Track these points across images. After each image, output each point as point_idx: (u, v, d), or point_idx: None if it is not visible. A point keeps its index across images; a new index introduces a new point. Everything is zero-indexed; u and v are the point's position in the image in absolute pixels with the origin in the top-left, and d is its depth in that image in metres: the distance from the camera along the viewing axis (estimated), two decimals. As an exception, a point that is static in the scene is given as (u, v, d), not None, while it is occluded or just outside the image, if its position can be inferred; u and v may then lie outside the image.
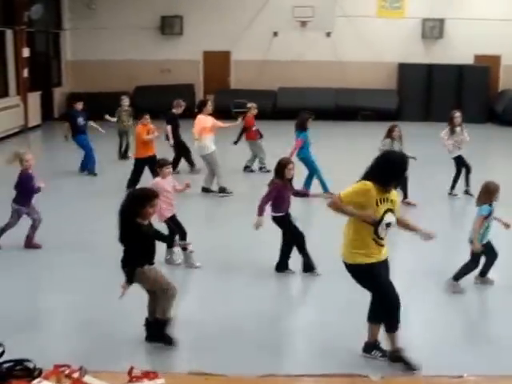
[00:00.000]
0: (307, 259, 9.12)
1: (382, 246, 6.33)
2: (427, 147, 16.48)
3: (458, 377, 4.44)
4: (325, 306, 8.09)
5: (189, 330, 7.25)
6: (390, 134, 12.87)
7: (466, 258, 8.66)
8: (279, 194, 8.99)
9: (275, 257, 9.25)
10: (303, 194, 10.07)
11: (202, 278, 9.20)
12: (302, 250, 9.12)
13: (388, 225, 6.29)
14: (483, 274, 8.84)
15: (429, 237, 6.58)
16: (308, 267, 9.11)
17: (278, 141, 15.51)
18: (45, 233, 10.23)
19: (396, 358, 6.48)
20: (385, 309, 6.47)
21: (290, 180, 9.12)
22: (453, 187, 13.72)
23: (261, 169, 15.78)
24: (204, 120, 13.63)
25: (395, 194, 6.45)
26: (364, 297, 6.64)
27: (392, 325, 6.46)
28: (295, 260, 9.19)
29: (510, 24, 25.15)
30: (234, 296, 8.52)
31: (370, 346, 6.67)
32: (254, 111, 15.99)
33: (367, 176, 6.27)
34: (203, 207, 13.30)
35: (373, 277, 6.35)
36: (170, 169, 9.51)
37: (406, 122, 23.55)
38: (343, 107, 24.78)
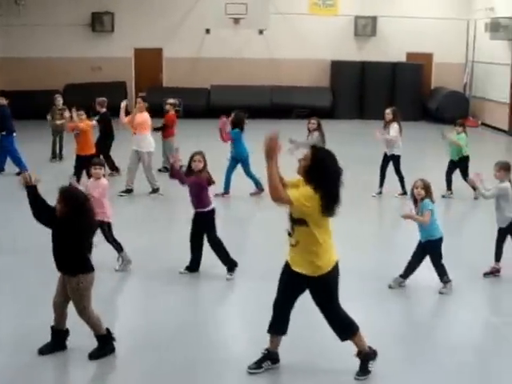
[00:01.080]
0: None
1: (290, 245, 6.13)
2: (361, 145, 16.47)
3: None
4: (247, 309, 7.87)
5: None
6: (307, 128, 12.96)
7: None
8: (187, 184, 8.80)
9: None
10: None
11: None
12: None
13: None
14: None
15: None
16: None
17: (212, 140, 15.17)
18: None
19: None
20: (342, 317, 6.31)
21: (198, 172, 8.69)
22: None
23: (160, 170, 15.02)
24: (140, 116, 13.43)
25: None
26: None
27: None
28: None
29: (441, 22, 25.50)
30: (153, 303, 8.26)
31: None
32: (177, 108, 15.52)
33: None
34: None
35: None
36: (98, 170, 9.04)
37: (340, 120, 23.74)
38: (278, 105, 24.64)
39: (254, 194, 13.41)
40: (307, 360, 6.67)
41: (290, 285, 6.18)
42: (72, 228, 6.25)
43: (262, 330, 6.38)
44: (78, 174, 13.06)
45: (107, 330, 6.67)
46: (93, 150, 13.50)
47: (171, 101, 15.49)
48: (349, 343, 6.33)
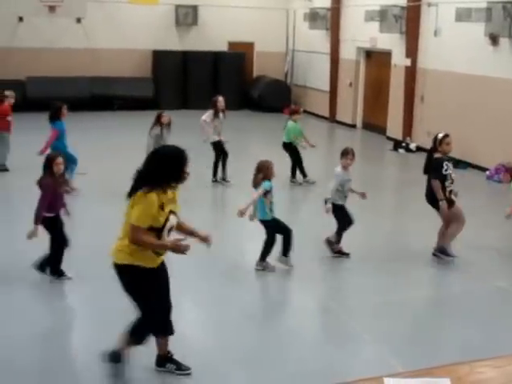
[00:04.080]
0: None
1: (160, 254, 5.75)
2: (186, 135, 16.18)
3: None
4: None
5: None
6: (158, 121, 12.66)
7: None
8: (53, 193, 8.14)
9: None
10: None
11: None
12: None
13: (170, 229, 5.70)
14: (284, 253, 8.96)
15: (207, 240, 6.04)
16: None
17: (30, 134, 14.30)
18: None
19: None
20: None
21: (61, 176, 8.36)
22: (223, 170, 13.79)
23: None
24: None
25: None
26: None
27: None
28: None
29: (262, 12, 25.81)
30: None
31: (163, 360, 6.21)
32: (12, 100, 14.55)
33: (143, 182, 5.51)
34: None
35: (139, 283, 5.71)
36: None
37: (163, 111, 23.33)
38: (98, 96, 23.81)
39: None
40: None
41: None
42: None
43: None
44: None
45: None
46: None
47: (7, 92, 14.64)
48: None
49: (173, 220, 5.67)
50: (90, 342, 6.75)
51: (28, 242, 8.00)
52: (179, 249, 5.49)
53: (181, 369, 6.16)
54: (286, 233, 8.87)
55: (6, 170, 14.04)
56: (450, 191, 9.33)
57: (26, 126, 16.82)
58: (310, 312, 8.02)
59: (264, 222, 8.83)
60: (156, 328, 5.96)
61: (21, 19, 23.18)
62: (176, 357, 6.19)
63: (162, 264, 5.86)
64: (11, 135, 14.36)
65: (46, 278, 8.35)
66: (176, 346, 6.21)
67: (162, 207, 5.49)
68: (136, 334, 5.85)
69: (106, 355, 5.91)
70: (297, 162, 13.98)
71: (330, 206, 9.23)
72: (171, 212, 5.63)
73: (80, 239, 9.05)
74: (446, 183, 9.26)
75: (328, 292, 8.61)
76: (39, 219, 7.93)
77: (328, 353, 6.80)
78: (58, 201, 8.27)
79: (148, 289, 5.73)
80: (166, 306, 5.92)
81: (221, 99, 13.69)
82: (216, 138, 13.62)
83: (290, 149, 13.95)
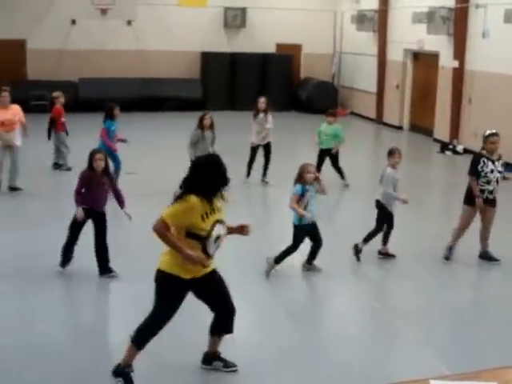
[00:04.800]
0: None
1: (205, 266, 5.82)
2: (233, 136, 16.42)
3: None
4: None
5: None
6: (200, 124, 12.54)
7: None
8: (87, 185, 8.44)
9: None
10: (118, 198, 8.85)
11: None
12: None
13: (218, 239, 5.76)
14: (309, 260, 8.98)
15: (245, 230, 6.07)
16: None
17: (82, 134, 14.67)
18: None
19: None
20: None
21: (105, 173, 8.50)
22: (264, 174, 13.87)
23: (60, 166, 14.73)
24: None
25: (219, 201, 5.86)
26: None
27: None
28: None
29: (310, 14, 25.89)
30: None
31: (210, 358, 6.36)
32: (62, 99, 14.87)
33: (188, 188, 5.65)
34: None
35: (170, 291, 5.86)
36: None
37: (212, 112, 23.57)
38: (148, 97, 24.22)
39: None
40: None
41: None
42: None
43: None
44: None
45: None
46: None
47: (55, 94, 14.91)
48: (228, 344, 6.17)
49: (219, 229, 5.73)
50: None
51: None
52: (200, 264, 5.64)
53: (228, 366, 6.30)
54: (317, 243, 8.89)
55: (68, 169, 14.34)
56: (489, 191, 9.19)
57: (78, 126, 17.20)
58: (354, 313, 8.07)
59: (294, 226, 8.77)
60: (218, 326, 6.14)
61: (73, 22, 23.75)
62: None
63: (210, 273, 5.91)
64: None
65: (92, 275, 8.61)
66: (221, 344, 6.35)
67: (204, 216, 5.59)
68: (140, 339, 5.93)
69: (113, 371, 6.01)
70: (334, 164, 13.94)
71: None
72: (218, 221, 5.71)
73: (126, 238, 9.23)
74: (480, 181, 9.14)
75: (373, 293, 8.67)
76: (77, 201, 8.40)
77: (372, 354, 6.83)
78: (94, 196, 8.48)
79: (174, 298, 5.85)
80: (228, 307, 6.04)
81: (261, 100, 13.65)
82: (252, 140, 13.69)
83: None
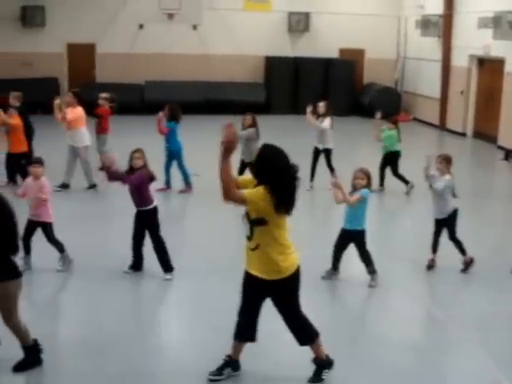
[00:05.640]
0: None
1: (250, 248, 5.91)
2: (295, 139, 16.55)
3: None
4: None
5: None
6: (242, 124, 12.79)
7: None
8: (129, 186, 8.64)
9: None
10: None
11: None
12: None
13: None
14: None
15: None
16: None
17: (148, 136, 15.02)
18: None
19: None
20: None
21: (141, 169, 8.57)
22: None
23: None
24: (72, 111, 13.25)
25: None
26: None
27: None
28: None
29: (373, 19, 25.86)
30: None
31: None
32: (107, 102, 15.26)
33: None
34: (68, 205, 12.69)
35: (249, 290, 6.04)
36: (38, 169, 8.67)
37: (275, 115, 23.83)
38: (212, 101, 24.58)
39: (183, 191, 13.36)
40: (267, 368, 6.52)
41: (252, 291, 5.99)
42: None
43: (211, 334, 6.23)
44: (10, 172, 12.95)
45: (34, 341, 6.40)
46: (25, 148, 13.29)
47: (104, 95, 15.28)
48: (308, 351, 6.27)
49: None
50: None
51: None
52: (226, 142, 5.51)
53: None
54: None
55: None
56: None
57: (144, 127, 17.62)
58: (416, 321, 8.05)
59: (363, 232, 8.69)
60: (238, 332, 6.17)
61: (141, 26, 24.27)
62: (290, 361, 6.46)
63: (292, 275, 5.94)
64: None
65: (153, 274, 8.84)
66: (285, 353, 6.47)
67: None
68: (307, 337, 6.17)
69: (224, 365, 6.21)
70: (392, 170, 13.94)
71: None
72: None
73: (190, 238, 9.44)
74: None
75: (434, 301, 8.58)
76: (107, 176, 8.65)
77: (432, 363, 6.78)
78: (134, 196, 8.61)
79: (249, 296, 6.01)
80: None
81: (321, 104, 13.69)
82: (314, 144, 13.78)
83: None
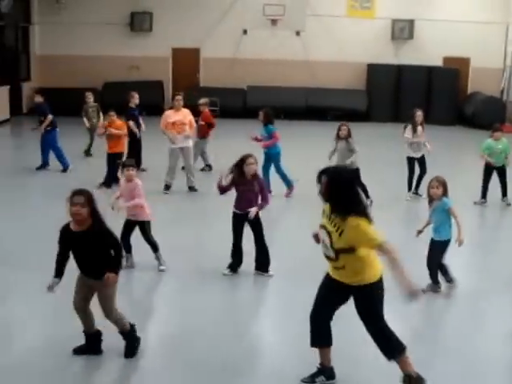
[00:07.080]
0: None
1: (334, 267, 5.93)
2: (396, 147, 16.44)
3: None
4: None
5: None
6: (337, 134, 12.69)
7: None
8: (237, 190, 8.74)
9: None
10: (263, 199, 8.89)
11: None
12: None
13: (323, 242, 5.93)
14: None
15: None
16: None
17: (249, 140, 15.29)
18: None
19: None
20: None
21: (254, 177, 8.65)
22: (417, 186, 13.60)
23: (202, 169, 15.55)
24: (167, 115, 13.62)
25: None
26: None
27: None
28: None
29: (479, 26, 25.29)
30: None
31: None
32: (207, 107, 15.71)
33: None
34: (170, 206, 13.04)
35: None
36: (131, 171, 8.87)
37: (375, 123, 23.71)
38: (313, 107, 24.68)
39: (288, 195, 13.48)
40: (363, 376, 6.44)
41: (332, 294, 6.00)
42: (100, 230, 6.18)
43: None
44: (111, 172, 13.39)
45: (130, 324, 6.64)
46: (122, 148, 13.87)
47: (202, 100, 15.63)
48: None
49: (322, 234, 5.92)
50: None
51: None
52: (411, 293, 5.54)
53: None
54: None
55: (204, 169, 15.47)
56: None
57: (245, 131, 17.85)
58: (500, 335, 7.62)
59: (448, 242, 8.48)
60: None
61: (245, 32, 24.62)
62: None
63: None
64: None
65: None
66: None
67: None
68: (392, 349, 6.00)
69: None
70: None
71: None
72: (322, 227, 5.91)
73: (280, 239, 9.51)
74: None
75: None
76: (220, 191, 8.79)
77: None
78: (241, 199, 8.67)
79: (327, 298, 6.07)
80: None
81: (418, 113, 13.56)
82: (411, 154, 13.59)
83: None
